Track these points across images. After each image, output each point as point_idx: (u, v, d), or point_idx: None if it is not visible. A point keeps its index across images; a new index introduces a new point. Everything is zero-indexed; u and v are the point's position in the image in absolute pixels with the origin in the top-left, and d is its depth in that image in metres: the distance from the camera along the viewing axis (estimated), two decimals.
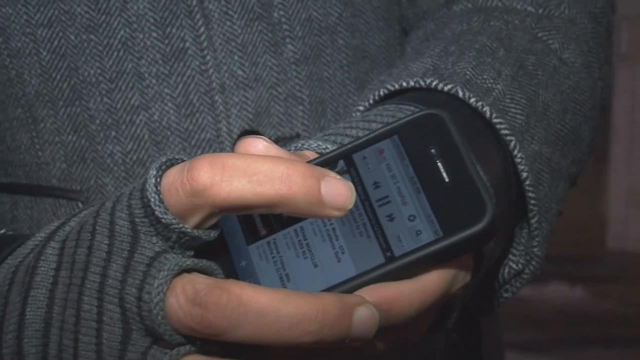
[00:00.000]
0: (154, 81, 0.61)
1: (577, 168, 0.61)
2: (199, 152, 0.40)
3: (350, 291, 0.39)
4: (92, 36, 0.61)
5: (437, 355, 0.64)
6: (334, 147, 0.44)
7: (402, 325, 0.40)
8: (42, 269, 0.42)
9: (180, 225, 0.38)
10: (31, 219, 0.61)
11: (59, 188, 0.63)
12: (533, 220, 0.54)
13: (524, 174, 0.52)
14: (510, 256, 0.55)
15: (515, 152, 0.52)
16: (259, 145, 0.41)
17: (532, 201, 0.53)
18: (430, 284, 0.40)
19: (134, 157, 0.62)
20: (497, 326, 0.77)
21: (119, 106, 0.62)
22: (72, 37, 0.61)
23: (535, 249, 0.54)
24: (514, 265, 0.55)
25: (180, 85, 0.62)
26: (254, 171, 0.37)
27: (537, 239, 0.54)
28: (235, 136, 0.61)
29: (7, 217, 0.62)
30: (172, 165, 0.39)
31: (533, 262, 0.55)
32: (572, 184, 0.61)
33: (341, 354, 0.39)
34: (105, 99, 0.62)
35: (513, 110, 0.54)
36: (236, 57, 0.62)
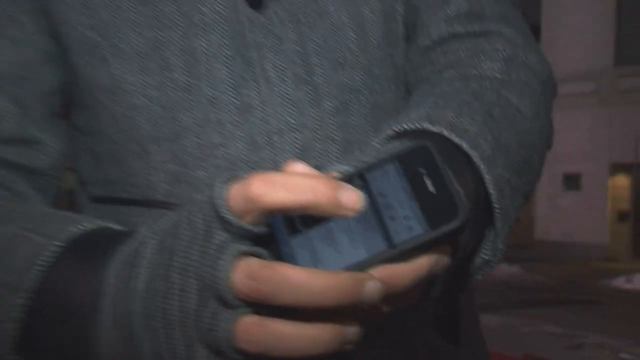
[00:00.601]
0: (230, 126, 0.61)
1: (530, 187, 0.60)
2: None
3: (362, 270, 0.38)
4: (187, 95, 0.61)
5: (429, 324, 0.63)
6: (352, 169, 0.44)
7: (399, 294, 0.40)
8: (144, 253, 0.42)
9: (240, 222, 0.38)
10: (143, 225, 0.61)
11: (162, 202, 0.62)
12: (498, 224, 0.53)
13: (491, 191, 0.52)
14: (482, 249, 0.54)
15: (485, 175, 0.52)
16: (299, 167, 0.41)
17: (497, 210, 0.52)
18: (419, 264, 0.40)
19: None
20: (474, 305, 0.76)
21: (205, 144, 0.61)
22: (173, 96, 0.61)
23: (499, 244, 0.54)
24: (484, 256, 0.54)
25: (248, 129, 0.61)
26: (292, 185, 0.37)
27: (500, 237, 0.54)
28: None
29: (126, 223, 0.61)
30: (234, 180, 0.39)
31: (497, 254, 0.54)
32: (526, 199, 0.60)
33: (355, 313, 0.39)
34: (195, 139, 0.61)
35: (483, 145, 0.53)
36: (289, 110, 0.61)
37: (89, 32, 0.61)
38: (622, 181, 14.62)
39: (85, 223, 0.48)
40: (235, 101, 0.61)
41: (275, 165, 0.61)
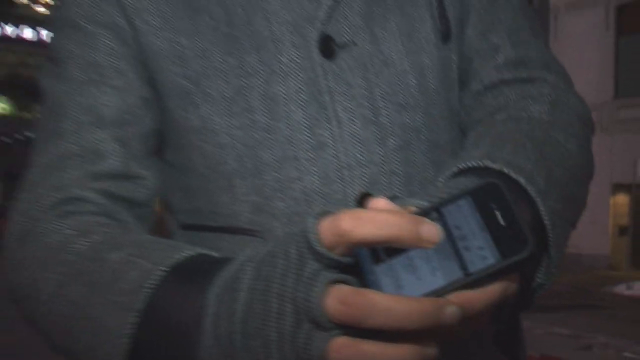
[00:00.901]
0: (305, 163, 0.60)
1: (577, 217, 0.58)
2: (333, 208, 0.40)
3: (440, 296, 0.37)
4: (267, 134, 0.60)
5: (485, 344, 0.61)
6: (429, 204, 0.42)
7: (473, 318, 0.38)
8: (242, 279, 0.41)
9: (330, 254, 0.37)
10: (229, 250, 0.60)
11: (246, 229, 0.61)
12: (552, 251, 0.51)
13: (546, 222, 0.50)
14: (538, 274, 0.52)
15: (540, 207, 0.50)
16: (380, 203, 0.40)
17: (551, 239, 0.51)
18: (492, 291, 0.38)
19: (294, 210, 0.60)
20: (521, 323, 0.73)
21: (283, 178, 0.60)
22: (255, 135, 0.60)
23: (553, 270, 0.52)
24: (539, 280, 0.52)
25: (322, 165, 0.60)
26: (377, 221, 0.36)
27: (553, 263, 0.51)
28: (356, 198, 0.60)
29: (213, 247, 0.60)
30: (324, 215, 0.38)
31: (551, 277, 0.52)
32: (573, 227, 0.58)
33: (435, 334, 0.37)
34: (275, 173, 0.60)
35: (538, 181, 0.51)
36: (357, 147, 0.60)
37: (182, 80, 0.60)
38: (622, 199, 14.44)
39: (187, 250, 0.48)
40: (310, 140, 0.60)
41: (345, 197, 0.60)
